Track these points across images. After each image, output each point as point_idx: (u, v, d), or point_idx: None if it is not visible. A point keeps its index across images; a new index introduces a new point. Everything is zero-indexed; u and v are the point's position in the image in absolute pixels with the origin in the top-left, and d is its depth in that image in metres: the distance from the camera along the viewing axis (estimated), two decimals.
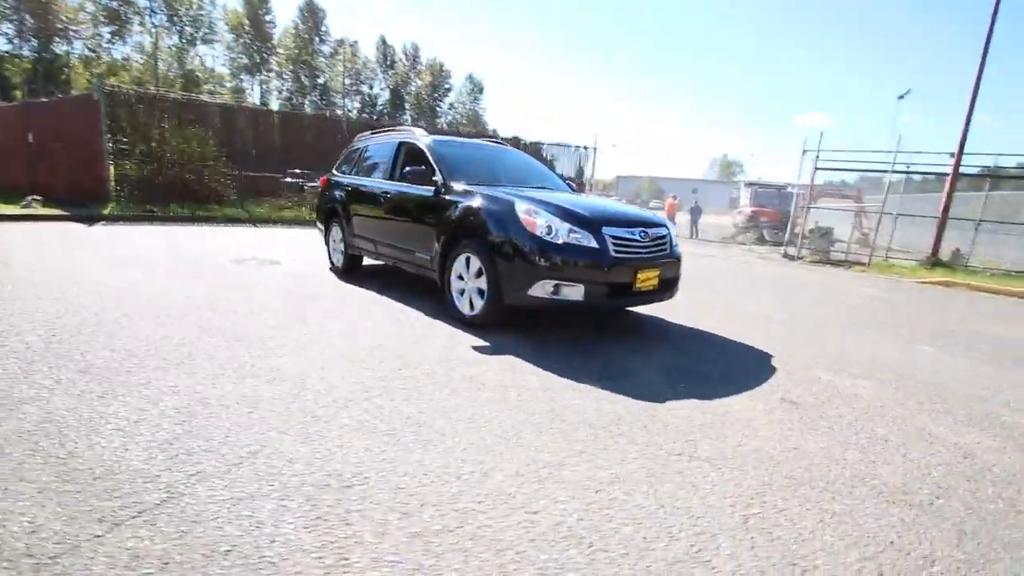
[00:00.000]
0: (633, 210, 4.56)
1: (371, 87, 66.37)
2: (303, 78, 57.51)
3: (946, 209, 12.66)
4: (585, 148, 18.83)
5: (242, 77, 55.85)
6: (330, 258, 6.27)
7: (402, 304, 4.61)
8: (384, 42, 66.00)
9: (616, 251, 3.60)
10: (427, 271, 4.50)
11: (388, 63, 66.45)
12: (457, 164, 4.61)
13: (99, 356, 2.85)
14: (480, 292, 3.90)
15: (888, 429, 2.67)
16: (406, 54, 67.67)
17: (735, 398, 2.92)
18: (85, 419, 2.15)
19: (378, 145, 5.70)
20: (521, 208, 3.69)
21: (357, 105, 62.74)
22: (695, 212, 20.60)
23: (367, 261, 6.05)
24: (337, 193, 6.01)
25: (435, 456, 2.07)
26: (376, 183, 5.30)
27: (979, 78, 11.89)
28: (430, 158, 4.63)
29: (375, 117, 56.51)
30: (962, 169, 12.66)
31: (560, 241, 3.52)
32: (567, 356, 3.45)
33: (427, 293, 5.06)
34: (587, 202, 4.17)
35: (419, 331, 3.81)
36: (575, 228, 3.56)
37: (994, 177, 13.29)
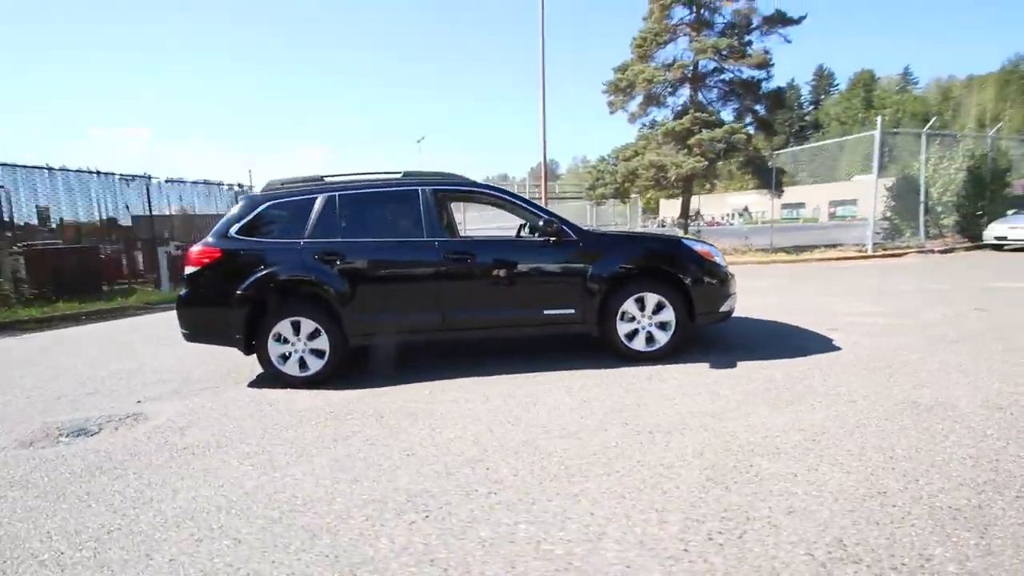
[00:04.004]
0: None
1: None
2: None
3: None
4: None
5: None
6: (277, 370, 3.99)
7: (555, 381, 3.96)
8: None
9: None
10: (566, 326, 4.12)
11: None
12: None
13: None
14: (662, 325, 4.11)
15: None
16: None
17: (823, 344, 4.72)
18: None
19: (364, 195, 4.14)
20: (692, 242, 4.21)
21: None
22: None
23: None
24: (301, 267, 3.96)
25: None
26: (440, 241, 4.03)
27: (544, 131, 17.95)
28: (529, 206, 4.15)
29: None
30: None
31: (724, 264, 4.31)
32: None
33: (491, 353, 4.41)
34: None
35: (656, 389, 3.70)
36: (719, 253, 4.43)
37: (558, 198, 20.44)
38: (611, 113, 16.88)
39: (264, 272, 3.93)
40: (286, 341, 3.98)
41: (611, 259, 4.07)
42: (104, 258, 11.33)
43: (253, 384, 4.14)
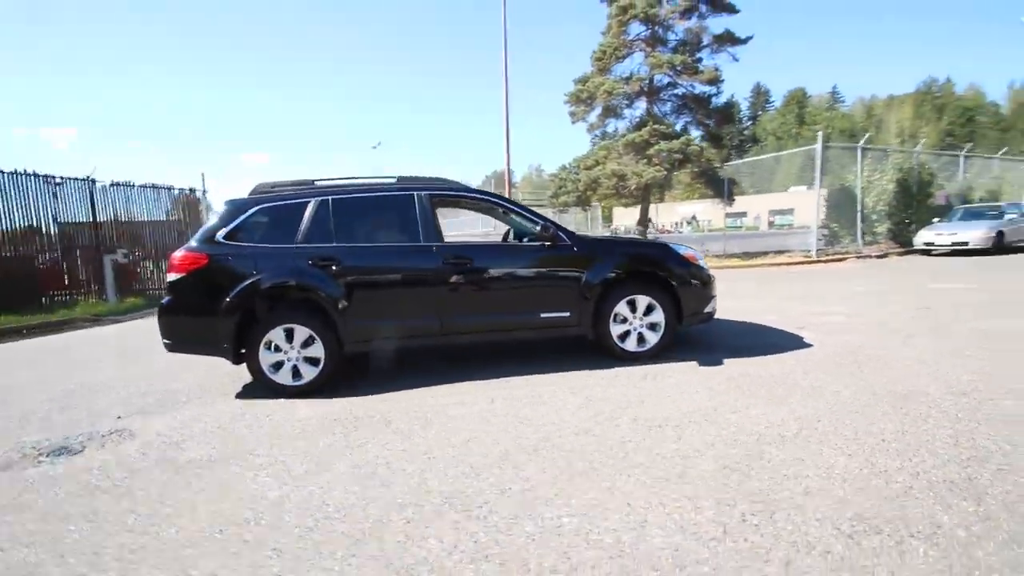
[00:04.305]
0: None
1: None
2: None
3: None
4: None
5: None
6: (269, 380, 3.86)
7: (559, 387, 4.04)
8: None
9: None
10: (562, 329, 4.21)
11: None
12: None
13: None
14: (652, 326, 4.28)
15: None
16: None
17: (796, 342, 5.06)
18: None
19: (358, 199, 4.09)
20: (678, 247, 4.41)
21: None
22: None
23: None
24: (294, 272, 3.90)
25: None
26: (438, 246, 4.04)
27: (507, 143, 18.15)
28: (525, 212, 4.24)
29: None
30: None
31: (707, 267, 4.55)
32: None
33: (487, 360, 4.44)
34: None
35: (656, 387, 3.86)
36: (701, 256, 4.66)
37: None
38: (573, 123, 17.33)
39: (255, 278, 3.81)
40: (278, 349, 3.87)
41: (604, 263, 4.21)
42: (41, 267, 10.47)
43: (240, 395, 3.99)
